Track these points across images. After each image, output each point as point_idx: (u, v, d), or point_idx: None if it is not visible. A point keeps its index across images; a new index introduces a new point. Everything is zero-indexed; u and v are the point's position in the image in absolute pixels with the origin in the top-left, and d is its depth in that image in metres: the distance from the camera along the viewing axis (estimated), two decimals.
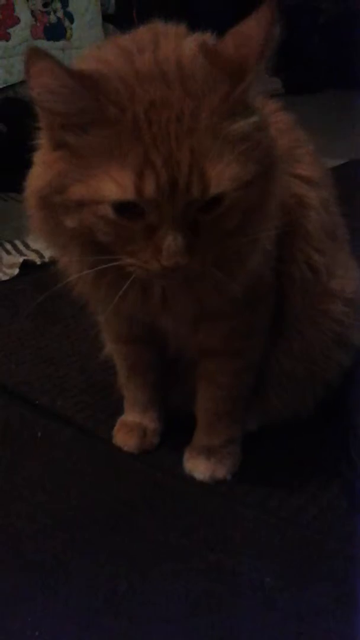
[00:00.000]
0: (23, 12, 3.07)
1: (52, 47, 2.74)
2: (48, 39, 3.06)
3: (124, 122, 0.60)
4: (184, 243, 0.62)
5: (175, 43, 0.64)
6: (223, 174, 0.61)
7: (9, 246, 1.63)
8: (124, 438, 0.95)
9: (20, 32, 3.04)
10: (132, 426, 0.95)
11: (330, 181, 0.88)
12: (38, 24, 3.13)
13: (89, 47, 0.72)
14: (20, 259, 1.54)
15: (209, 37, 0.67)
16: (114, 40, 0.68)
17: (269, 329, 0.84)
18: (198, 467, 0.88)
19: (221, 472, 0.88)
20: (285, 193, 0.77)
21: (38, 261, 1.56)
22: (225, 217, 0.64)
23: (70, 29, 3.20)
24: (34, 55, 0.60)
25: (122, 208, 0.62)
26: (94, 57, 0.66)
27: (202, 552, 0.77)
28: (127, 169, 0.60)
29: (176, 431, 0.95)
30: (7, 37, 3.09)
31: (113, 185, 0.60)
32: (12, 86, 2.42)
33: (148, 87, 0.61)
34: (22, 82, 2.17)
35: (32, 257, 1.57)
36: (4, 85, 2.42)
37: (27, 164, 0.71)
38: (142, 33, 0.67)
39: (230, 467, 0.89)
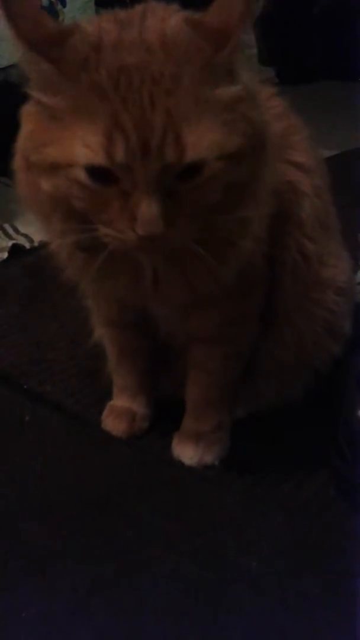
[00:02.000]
0: None
1: None
2: None
3: (91, 83, 0.59)
4: (160, 211, 0.59)
5: (162, 17, 0.64)
6: (202, 140, 0.59)
7: None
8: (113, 423, 0.94)
9: None
10: (122, 411, 0.95)
11: (324, 169, 0.88)
12: None
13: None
14: (10, 243, 1.52)
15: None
16: (114, 12, 0.67)
17: (260, 316, 0.84)
18: (186, 452, 0.88)
19: (209, 457, 0.88)
20: (278, 179, 0.77)
21: (27, 245, 1.54)
22: (207, 188, 0.62)
23: (62, 12, 3.16)
24: None
25: (95, 172, 0.60)
26: (95, 20, 0.66)
27: (189, 537, 0.77)
28: (96, 131, 0.58)
29: (165, 417, 0.95)
30: None
31: (83, 148, 0.59)
32: (2, 70, 2.39)
33: (125, 52, 0.60)
34: (12, 66, 2.14)
35: (22, 241, 1.55)
36: (1, 67, 2.39)
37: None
38: (136, 9, 0.66)
39: (218, 453, 0.89)
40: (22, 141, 0.66)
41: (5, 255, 1.50)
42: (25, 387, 1.05)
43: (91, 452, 0.91)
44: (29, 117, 0.65)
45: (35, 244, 1.55)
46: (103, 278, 0.73)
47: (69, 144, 0.60)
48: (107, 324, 0.92)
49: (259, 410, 0.93)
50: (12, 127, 0.69)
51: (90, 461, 0.89)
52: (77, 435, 0.94)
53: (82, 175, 0.60)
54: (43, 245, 1.51)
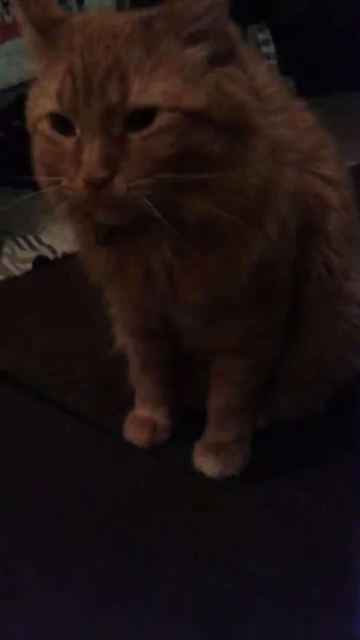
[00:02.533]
0: None
1: None
2: None
3: (65, 43, 0.63)
4: (102, 153, 0.59)
5: None
6: (152, 86, 0.59)
7: (22, 241, 1.64)
8: (134, 433, 0.95)
9: None
10: (143, 421, 0.95)
11: (351, 181, 0.88)
12: None
13: None
14: (34, 255, 1.55)
15: None
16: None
17: (283, 328, 0.84)
18: (207, 463, 0.89)
19: (230, 468, 0.88)
20: (307, 192, 0.78)
21: (51, 257, 1.57)
22: (161, 140, 0.60)
23: None
24: None
25: (54, 122, 0.63)
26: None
27: (209, 547, 0.77)
28: (53, 80, 0.62)
29: (186, 427, 0.96)
30: (21, 34, 3.09)
31: (46, 98, 0.63)
32: (27, 83, 2.42)
33: (104, 21, 0.63)
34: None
35: (45, 252, 1.58)
36: (19, 83, 2.43)
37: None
38: None
39: (239, 464, 0.89)
40: (28, 114, 0.69)
41: (29, 266, 1.52)
42: (48, 396, 1.06)
43: (112, 462, 0.92)
44: (30, 94, 0.68)
45: (59, 255, 1.57)
46: (118, 279, 0.75)
47: (38, 99, 0.65)
48: (132, 333, 0.93)
49: (280, 421, 0.93)
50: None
51: (111, 470, 0.90)
52: (98, 444, 0.95)
53: (46, 126, 0.64)
54: (66, 256, 1.55)
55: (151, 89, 0.60)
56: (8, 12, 3.07)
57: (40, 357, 1.18)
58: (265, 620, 0.69)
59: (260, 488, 0.86)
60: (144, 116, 0.60)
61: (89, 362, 1.15)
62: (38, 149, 0.67)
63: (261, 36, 3.10)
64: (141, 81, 0.59)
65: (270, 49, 3.14)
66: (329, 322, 0.86)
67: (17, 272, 1.51)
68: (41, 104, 0.64)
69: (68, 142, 0.63)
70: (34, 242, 1.64)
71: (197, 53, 0.62)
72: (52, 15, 0.65)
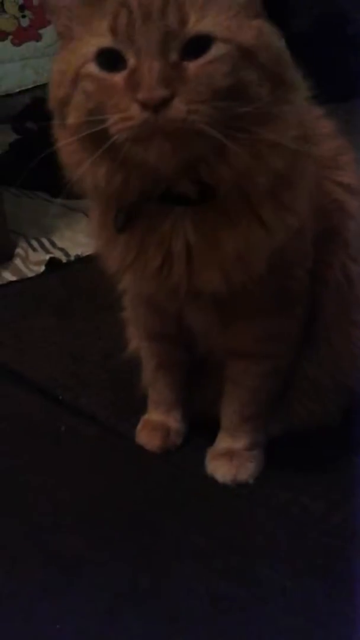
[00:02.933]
0: None
1: None
2: None
3: None
4: (161, 73, 0.60)
5: None
6: (206, 17, 0.62)
7: (35, 243, 1.64)
8: (147, 437, 0.95)
9: (51, 33, 3.07)
10: (156, 425, 0.95)
11: None
12: None
13: None
14: (47, 257, 1.55)
15: None
16: None
17: (300, 334, 0.83)
18: (220, 469, 0.88)
19: (243, 475, 0.88)
20: (325, 198, 0.78)
21: (64, 259, 1.57)
22: (216, 70, 0.62)
23: None
24: None
25: (105, 60, 0.63)
26: None
27: (223, 554, 0.77)
28: (105, 18, 0.63)
29: (199, 432, 0.95)
30: (38, 38, 3.12)
31: (93, 38, 0.64)
32: (41, 86, 2.44)
33: None
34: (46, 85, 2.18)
35: (58, 255, 1.58)
36: (34, 85, 2.44)
37: (56, 164, 0.72)
38: None
39: (252, 471, 0.88)
40: (51, 89, 0.69)
41: (42, 268, 1.52)
42: (60, 398, 1.06)
43: (125, 466, 0.91)
44: (54, 71, 0.69)
45: (71, 257, 1.57)
46: (135, 268, 0.75)
47: (83, 46, 0.65)
48: (146, 337, 0.92)
49: (295, 428, 0.92)
50: (50, 142, 0.71)
51: (124, 474, 0.90)
52: (111, 448, 0.95)
53: (93, 67, 0.64)
54: (79, 259, 1.55)
55: (207, 20, 0.62)
56: (24, 16, 3.09)
57: (52, 359, 1.17)
58: (276, 629, 0.68)
59: (273, 495, 0.86)
60: (199, 45, 0.62)
61: (102, 365, 1.14)
62: (82, 97, 0.65)
63: None
64: (197, 12, 0.62)
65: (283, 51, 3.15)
66: (345, 330, 0.86)
67: (30, 274, 1.51)
68: (83, 50, 0.64)
69: (117, 78, 0.63)
70: (47, 245, 1.64)
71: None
72: None
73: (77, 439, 0.96)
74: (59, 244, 1.63)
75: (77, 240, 1.61)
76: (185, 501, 0.85)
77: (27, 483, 0.88)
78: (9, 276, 1.49)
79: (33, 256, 1.58)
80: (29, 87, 2.43)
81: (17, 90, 2.38)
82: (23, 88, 2.36)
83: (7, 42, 2.82)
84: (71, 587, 0.73)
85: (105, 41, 0.63)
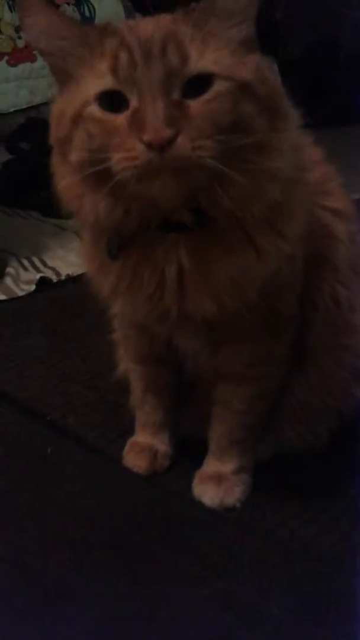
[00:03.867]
0: None
1: None
2: None
3: (108, 35, 0.65)
4: (166, 113, 0.61)
5: None
6: (206, 54, 0.63)
7: (26, 262, 1.64)
8: (134, 459, 0.94)
9: None
10: (143, 447, 0.94)
11: (358, 215, 0.88)
12: None
13: None
14: (37, 276, 1.55)
15: None
16: None
17: (289, 358, 0.83)
18: (207, 493, 0.88)
19: (231, 499, 0.87)
20: (314, 224, 0.78)
21: (54, 278, 1.57)
22: (219, 106, 0.63)
23: None
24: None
25: (106, 101, 0.64)
26: None
27: (210, 579, 0.76)
28: (104, 60, 0.64)
29: (187, 455, 0.95)
30: (33, 59, 3.15)
31: (93, 79, 0.64)
32: (36, 107, 2.45)
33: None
34: (45, 103, 2.21)
35: (49, 274, 1.58)
36: (28, 106, 2.46)
37: (49, 183, 0.72)
38: None
39: (240, 495, 0.88)
40: (53, 130, 0.70)
41: (32, 287, 1.52)
42: (48, 418, 1.05)
43: (111, 488, 0.90)
44: (54, 111, 0.69)
45: (62, 277, 1.57)
46: (128, 294, 0.76)
47: (83, 88, 0.65)
48: (135, 359, 0.92)
49: (283, 452, 0.92)
50: (44, 162, 0.72)
51: (110, 497, 0.89)
52: (97, 470, 0.94)
53: (95, 109, 0.64)
54: (70, 279, 1.55)
55: (207, 57, 0.63)
56: (20, 37, 3.13)
57: (40, 379, 1.17)
58: None
59: (262, 520, 0.85)
60: (200, 83, 0.63)
61: (90, 385, 1.14)
62: (83, 137, 0.65)
63: None
64: (196, 49, 0.63)
65: (278, 80, 3.19)
66: (334, 353, 0.86)
67: (20, 293, 1.51)
68: (83, 91, 0.65)
69: (121, 119, 0.63)
70: (38, 264, 1.64)
71: (237, 34, 0.66)
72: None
73: (63, 460, 0.95)
74: (50, 263, 1.63)
75: (68, 259, 1.62)
76: (172, 525, 0.84)
77: (12, 504, 0.87)
78: None
79: (24, 275, 1.58)
80: (24, 107, 2.45)
81: (12, 110, 2.39)
82: (17, 108, 2.38)
83: (3, 63, 2.84)
84: (55, 612, 0.72)
85: (107, 82, 0.64)
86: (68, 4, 3.12)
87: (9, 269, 1.59)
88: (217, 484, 0.87)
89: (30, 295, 1.50)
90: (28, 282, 1.54)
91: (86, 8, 3.27)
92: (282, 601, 0.73)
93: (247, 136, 0.65)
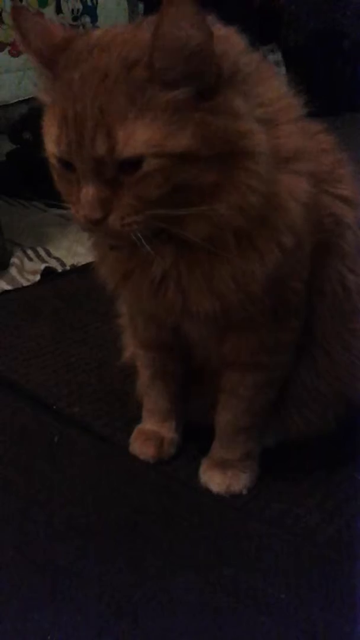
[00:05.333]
0: None
1: None
2: None
3: (62, 82, 0.65)
4: (97, 197, 0.64)
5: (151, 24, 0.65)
6: (136, 137, 0.62)
7: (31, 253, 1.64)
8: (140, 447, 0.94)
9: None
10: (150, 435, 0.95)
11: None
12: None
13: None
14: (42, 266, 1.55)
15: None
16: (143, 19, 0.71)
17: (296, 345, 0.83)
18: (214, 480, 0.88)
19: (237, 486, 0.87)
20: (323, 211, 0.78)
21: (59, 269, 1.57)
22: (150, 183, 0.64)
23: None
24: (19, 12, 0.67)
25: (60, 159, 0.67)
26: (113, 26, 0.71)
27: (217, 565, 0.76)
28: (54, 124, 0.66)
29: (194, 442, 0.95)
30: None
31: (49, 139, 0.67)
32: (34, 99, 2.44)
33: (102, 53, 0.64)
34: None
35: (53, 264, 1.58)
36: (31, 96, 2.45)
37: (51, 174, 0.73)
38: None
39: (246, 482, 0.88)
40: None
41: (37, 277, 1.52)
42: (54, 408, 1.06)
43: (118, 476, 0.91)
44: (44, 118, 0.70)
45: (67, 267, 1.57)
46: (127, 287, 0.77)
47: (47, 134, 0.68)
48: (142, 346, 0.92)
49: (289, 439, 0.92)
50: (44, 154, 0.72)
51: (117, 484, 0.89)
52: (104, 458, 0.94)
53: (54, 160, 0.68)
54: (74, 269, 1.55)
55: (136, 139, 0.62)
56: None
57: (46, 367, 1.17)
58: None
59: (267, 506, 0.85)
60: (131, 163, 0.63)
61: (96, 374, 1.14)
62: (55, 176, 0.70)
63: (272, 57, 3.13)
64: (126, 132, 0.62)
65: (281, 70, 3.17)
66: (343, 339, 0.86)
67: (25, 283, 1.51)
68: (49, 143, 0.67)
69: (73, 177, 0.67)
70: (43, 254, 1.64)
71: (180, 95, 0.62)
72: (54, 42, 0.67)
73: (70, 448, 0.95)
74: (55, 253, 1.63)
75: (72, 249, 1.61)
76: (179, 512, 0.84)
77: (19, 492, 0.88)
78: (4, 285, 1.49)
79: (29, 265, 1.58)
80: (26, 97, 2.44)
81: (15, 100, 2.38)
82: (20, 99, 2.37)
83: (5, 53, 2.83)
84: (63, 598, 0.72)
85: (54, 149, 0.66)
86: None
87: (14, 259, 1.59)
88: (223, 471, 0.88)
89: (35, 285, 1.50)
90: (33, 272, 1.54)
91: None
92: (288, 587, 0.74)
93: (194, 193, 0.65)
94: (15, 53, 2.96)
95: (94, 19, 3.25)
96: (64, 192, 0.70)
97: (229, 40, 0.68)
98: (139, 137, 0.62)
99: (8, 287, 1.49)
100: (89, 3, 3.23)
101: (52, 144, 0.66)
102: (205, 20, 0.61)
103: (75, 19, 3.23)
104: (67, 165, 0.66)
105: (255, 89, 0.68)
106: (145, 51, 0.61)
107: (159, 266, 0.73)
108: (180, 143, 0.62)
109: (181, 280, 0.73)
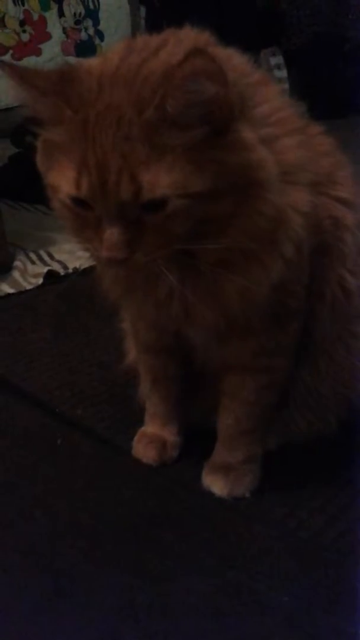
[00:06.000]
0: (55, 29, 3.15)
1: None
2: (78, 56, 3.13)
3: (76, 122, 0.64)
4: (122, 238, 0.65)
5: (173, 52, 0.66)
6: (160, 180, 0.63)
7: (33, 256, 1.65)
8: (143, 450, 0.94)
9: (51, 48, 3.12)
10: (152, 438, 0.95)
11: None
12: (69, 41, 3.21)
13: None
14: (45, 269, 1.56)
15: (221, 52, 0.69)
16: (135, 38, 0.71)
17: (297, 347, 0.83)
18: (216, 483, 0.88)
19: (239, 489, 0.87)
20: (322, 213, 0.78)
21: (62, 272, 1.57)
22: (173, 221, 0.65)
23: (101, 46, 3.27)
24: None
25: (75, 199, 0.66)
26: (106, 52, 0.71)
27: (220, 569, 0.76)
28: (72, 166, 0.65)
29: (196, 445, 0.95)
30: (38, 53, 3.16)
31: (64, 179, 0.66)
32: None
33: (114, 90, 0.64)
34: None
35: (56, 267, 1.59)
36: None
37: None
38: (159, 37, 0.71)
39: (249, 485, 0.88)
40: (38, 166, 0.72)
41: (40, 280, 1.52)
42: (57, 410, 1.06)
43: (121, 479, 0.91)
44: (38, 148, 0.71)
45: (70, 270, 1.58)
46: (130, 299, 0.79)
47: (58, 173, 0.67)
48: (145, 350, 0.92)
49: (292, 441, 0.92)
50: None
51: (120, 487, 0.89)
52: (107, 461, 0.95)
53: (67, 200, 0.67)
54: (77, 272, 1.56)
55: (160, 182, 0.63)
56: (24, 31, 3.12)
57: (48, 371, 1.17)
58: None
59: (270, 510, 0.85)
60: (155, 204, 0.64)
61: (99, 377, 1.14)
62: (64, 213, 0.70)
63: (274, 60, 3.14)
64: (149, 177, 0.63)
65: (283, 73, 3.18)
66: (344, 341, 0.86)
67: (28, 287, 1.51)
68: (63, 182, 0.66)
69: (90, 215, 0.67)
70: (46, 257, 1.64)
71: (196, 136, 0.63)
72: (53, 77, 0.66)
73: (73, 451, 0.96)
74: (57, 256, 1.64)
75: (75, 253, 1.62)
76: (182, 515, 0.84)
77: (23, 496, 0.88)
78: (7, 288, 1.50)
79: (31, 269, 1.59)
80: None
81: (17, 104, 2.39)
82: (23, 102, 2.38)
83: (8, 57, 2.85)
84: (67, 602, 0.72)
85: (73, 191, 0.65)
86: None
87: (17, 263, 1.60)
88: (225, 474, 0.88)
89: (37, 288, 1.51)
90: (36, 276, 1.54)
91: (90, 1, 3.27)
92: (292, 590, 0.73)
93: (214, 222, 0.67)
94: (18, 57, 2.98)
95: (96, 22, 3.27)
96: (78, 231, 0.70)
97: (231, 62, 0.69)
98: (162, 180, 0.63)
99: (11, 290, 1.49)
100: (91, 7, 3.24)
101: (69, 185, 0.65)
102: (224, 75, 0.61)
103: (77, 22, 3.24)
104: (83, 204, 0.66)
105: (257, 109, 0.70)
106: (156, 90, 0.61)
107: (166, 283, 0.73)
108: (201, 182, 0.64)
109: (186, 295, 0.74)
